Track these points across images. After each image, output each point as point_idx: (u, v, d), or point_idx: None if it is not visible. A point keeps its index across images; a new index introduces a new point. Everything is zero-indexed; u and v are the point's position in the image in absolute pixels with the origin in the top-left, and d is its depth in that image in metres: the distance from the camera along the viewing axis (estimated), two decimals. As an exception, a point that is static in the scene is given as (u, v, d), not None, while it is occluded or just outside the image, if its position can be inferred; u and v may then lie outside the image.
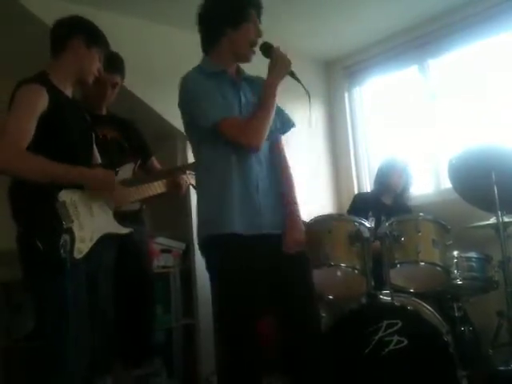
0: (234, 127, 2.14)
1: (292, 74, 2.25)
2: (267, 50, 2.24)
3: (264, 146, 2.21)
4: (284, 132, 2.40)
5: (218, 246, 2.13)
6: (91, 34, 2.34)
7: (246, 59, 2.28)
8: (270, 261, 2.15)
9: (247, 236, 2.12)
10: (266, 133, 2.16)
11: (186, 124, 2.26)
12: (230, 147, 2.15)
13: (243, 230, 2.12)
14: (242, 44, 2.23)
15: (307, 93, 2.24)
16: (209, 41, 2.27)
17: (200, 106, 2.15)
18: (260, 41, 2.26)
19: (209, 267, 2.19)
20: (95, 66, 2.35)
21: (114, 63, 2.79)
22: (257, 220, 2.16)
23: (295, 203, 2.28)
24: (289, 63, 2.22)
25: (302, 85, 2.26)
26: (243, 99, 2.25)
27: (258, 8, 2.27)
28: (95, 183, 2.20)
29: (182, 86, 2.20)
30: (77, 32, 2.31)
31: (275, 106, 2.19)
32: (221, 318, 2.19)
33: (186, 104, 2.21)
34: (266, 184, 2.22)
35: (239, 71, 2.34)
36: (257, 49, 2.26)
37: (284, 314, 2.21)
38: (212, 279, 2.18)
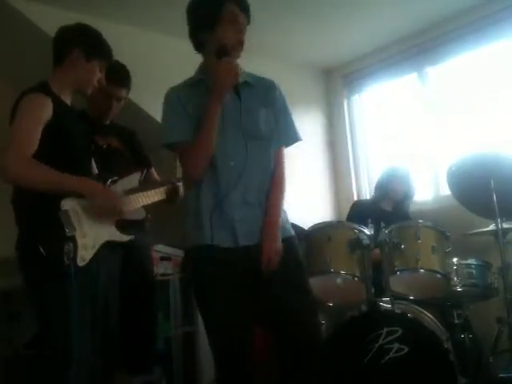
0: (181, 156, 2.09)
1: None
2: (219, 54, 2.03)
3: (247, 153, 2.03)
4: (287, 145, 2.22)
5: (193, 258, 2.08)
6: (92, 46, 2.30)
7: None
8: (250, 273, 2.01)
9: (223, 248, 2.01)
10: (206, 157, 2.02)
11: None
12: None
13: (218, 242, 2.01)
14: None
15: None
16: (196, 50, 2.17)
17: (162, 124, 2.13)
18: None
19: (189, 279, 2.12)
20: (95, 78, 2.32)
21: (121, 77, 2.78)
22: (229, 232, 2.03)
23: (276, 215, 2.09)
24: (234, 76, 2.00)
25: None
26: (229, 106, 2.05)
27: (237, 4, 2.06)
28: (100, 202, 2.16)
29: None
30: (77, 44, 2.27)
31: (216, 125, 2.00)
32: (207, 332, 2.09)
33: None
34: (244, 194, 2.05)
35: None
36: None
37: (277, 327, 2.07)
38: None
